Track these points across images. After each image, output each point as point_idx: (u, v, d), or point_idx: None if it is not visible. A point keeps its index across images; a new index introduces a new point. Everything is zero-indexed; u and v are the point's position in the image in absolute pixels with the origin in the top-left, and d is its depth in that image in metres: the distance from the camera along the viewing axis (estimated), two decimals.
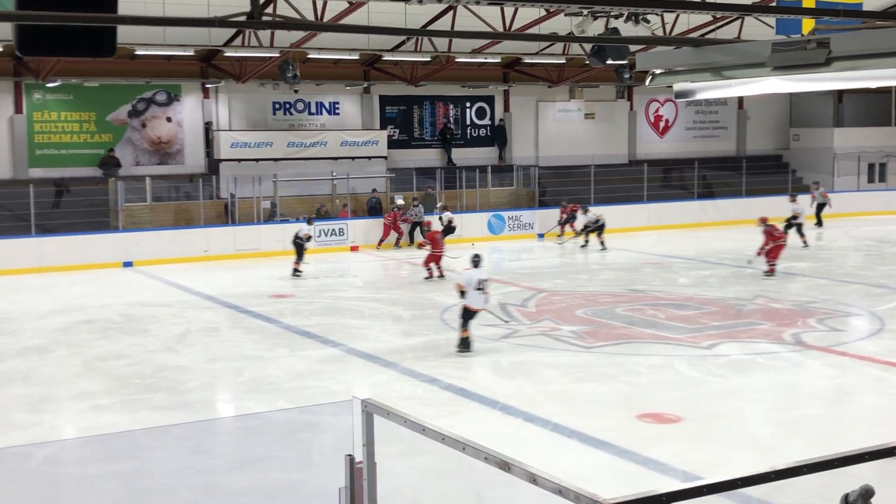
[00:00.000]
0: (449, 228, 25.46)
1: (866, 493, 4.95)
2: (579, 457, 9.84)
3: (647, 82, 6.54)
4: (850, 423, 10.99)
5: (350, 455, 4.61)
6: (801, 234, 24.43)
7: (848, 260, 23.09)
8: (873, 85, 7.06)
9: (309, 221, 23.20)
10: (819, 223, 28.86)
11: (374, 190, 28.57)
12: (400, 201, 27.30)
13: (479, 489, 8.00)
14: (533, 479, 2.59)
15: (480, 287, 13.85)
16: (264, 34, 24.13)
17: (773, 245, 20.20)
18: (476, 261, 14.22)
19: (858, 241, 27.01)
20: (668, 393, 12.09)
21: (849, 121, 37.00)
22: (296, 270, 21.53)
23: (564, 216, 27.70)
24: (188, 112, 28.28)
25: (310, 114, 29.88)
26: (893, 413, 11.19)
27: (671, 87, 6.59)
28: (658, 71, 6.47)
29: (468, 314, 14.00)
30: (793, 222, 24.34)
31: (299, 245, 21.83)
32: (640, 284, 20.22)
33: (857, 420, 11.16)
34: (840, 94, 36.74)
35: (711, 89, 6.82)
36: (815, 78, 5.65)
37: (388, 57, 27.89)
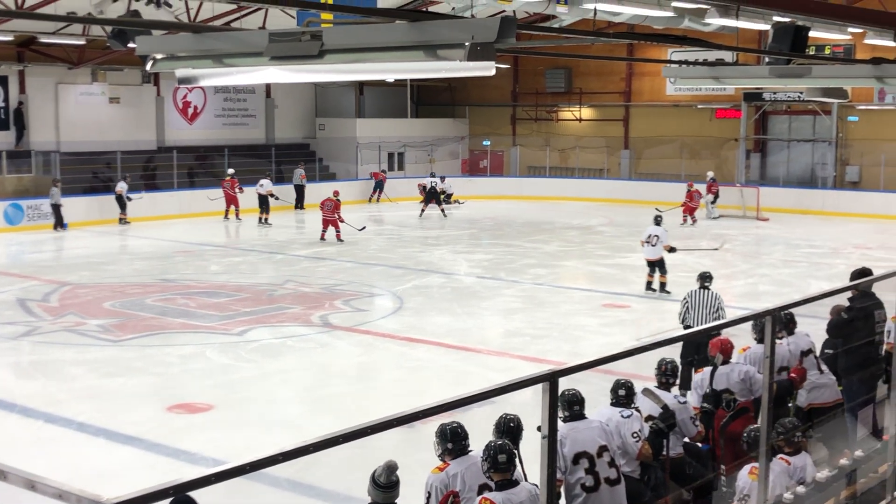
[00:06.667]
0: None
1: (389, 469, 5.26)
2: (107, 455, 9.47)
3: (148, 67, 6.37)
4: (375, 397, 11.60)
5: None
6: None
7: (371, 244, 24.36)
8: (363, 78, 7.50)
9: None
10: None
11: None
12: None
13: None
14: (32, 485, 2.37)
15: None
16: None
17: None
18: None
19: (381, 225, 28.64)
20: (200, 381, 12.02)
21: (370, 112, 39.10)
22: None
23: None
24: None
25: None
26: (411, 385, 12.00)
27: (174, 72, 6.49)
28: (159, 56, 6.32)
29: None
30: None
31: None
32: (171, 273, 19.85)
33: (381, 394, 11.82)
34: (361, 87, 38.70)
35: (214, 76, 6.80)
36: (311, 69, 5.86)
37: None
